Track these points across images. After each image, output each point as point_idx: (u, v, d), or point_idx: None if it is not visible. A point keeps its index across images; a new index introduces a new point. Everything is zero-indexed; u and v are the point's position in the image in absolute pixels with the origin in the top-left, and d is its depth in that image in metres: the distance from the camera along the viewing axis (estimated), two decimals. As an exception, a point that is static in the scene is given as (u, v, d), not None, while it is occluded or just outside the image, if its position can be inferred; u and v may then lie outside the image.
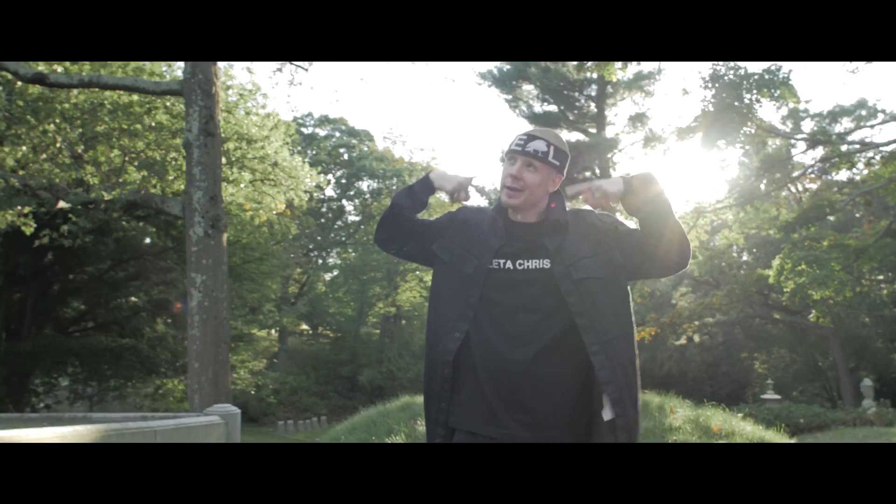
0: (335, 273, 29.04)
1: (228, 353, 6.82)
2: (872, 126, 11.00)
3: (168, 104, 8.13)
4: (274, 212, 10.22)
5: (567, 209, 1.69)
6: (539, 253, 1.60)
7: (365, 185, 27.86)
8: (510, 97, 19.85)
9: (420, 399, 6.51)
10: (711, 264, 18.97)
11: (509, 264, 1.60)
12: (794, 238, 9.73)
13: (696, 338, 17.93)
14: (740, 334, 23.00)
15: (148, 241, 13.90)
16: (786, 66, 8.53)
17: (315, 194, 18.39)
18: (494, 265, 1.61)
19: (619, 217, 1.68)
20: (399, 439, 6.46)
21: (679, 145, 11.87)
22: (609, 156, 19.14)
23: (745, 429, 6.66)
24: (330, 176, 26.56)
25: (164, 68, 9.30)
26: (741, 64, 8.35)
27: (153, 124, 7.88)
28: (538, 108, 19.73)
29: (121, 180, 7.61)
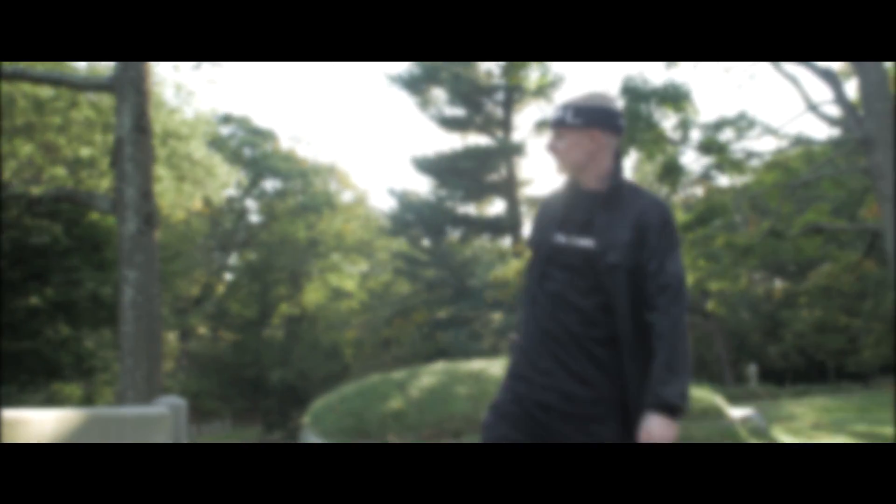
0: (236, 274, 28.46)
1: (161, 350, 6.82)
2: (751, 137, 12.07)
3: (94, 99, 7.96)
4: (192, 210, 10.13)
5: (628, 183, 1.68)
6: (589, 229, 1.62)
7: (269, 184, 27.49)
8: (420, 100, 20.20)
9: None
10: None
11: (564, 239, 1.64)
12: (690, 237, 10.59)
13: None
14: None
15: (49, 238, 13.34)
16: (686, 80, 9.26)
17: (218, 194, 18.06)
18: (556, 241, 1.66)
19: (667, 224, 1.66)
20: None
21: None
22: (515, 159, 19.81)
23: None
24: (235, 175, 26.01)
25: (82, 65, 9.07)
26: (647, 76, 9.02)
27: (81, 119, 7.72)
28: (448, 111, 20.18)
29: (46, 177, 7.42)
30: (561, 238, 1.66)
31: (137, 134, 6.62)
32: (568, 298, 1.60)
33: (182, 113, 9.69)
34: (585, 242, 1.62)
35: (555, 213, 1.70)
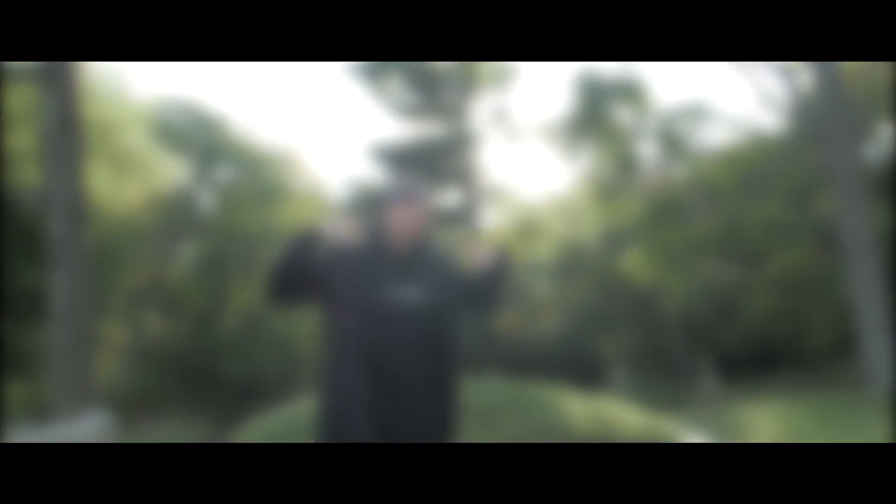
0: (188, 266, 27.76)
1: (92, 355, 6.46)
2: (705, 128, 12.06)
3: (18, 88, 7.49)
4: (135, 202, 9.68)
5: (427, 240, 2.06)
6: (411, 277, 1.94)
7: (221, 173, 26.79)
8: (375, 87, 19.83)
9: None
10: (568, 255, 20.03)
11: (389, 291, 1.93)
12: (645, 230, 10.54)
13: (553, 325, 18.85)
14: (593, 321, 24.38)
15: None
16: (641, 71, 9.15)
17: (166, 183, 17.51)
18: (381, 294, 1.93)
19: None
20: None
21: (540, 141, 12.39)
22: (472, 150, 19.63)
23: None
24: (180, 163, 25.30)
25: None
26: (602, 69, 8.88)
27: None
28: (403, 98, 19.85)
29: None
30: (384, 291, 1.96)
31: (66, 125, 6.21)
32: None
33: (121, 100, 9.22)
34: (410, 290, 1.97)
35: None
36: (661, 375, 24.46)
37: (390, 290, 1.86)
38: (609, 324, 24.84)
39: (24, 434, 3.49)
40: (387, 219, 1.95)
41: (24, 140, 7.66)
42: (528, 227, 16.20)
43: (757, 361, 22.93)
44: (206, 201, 27.56)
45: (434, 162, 20.07)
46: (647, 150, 11.30)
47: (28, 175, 7.75)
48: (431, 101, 19.63)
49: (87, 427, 3.98)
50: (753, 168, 10.28)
